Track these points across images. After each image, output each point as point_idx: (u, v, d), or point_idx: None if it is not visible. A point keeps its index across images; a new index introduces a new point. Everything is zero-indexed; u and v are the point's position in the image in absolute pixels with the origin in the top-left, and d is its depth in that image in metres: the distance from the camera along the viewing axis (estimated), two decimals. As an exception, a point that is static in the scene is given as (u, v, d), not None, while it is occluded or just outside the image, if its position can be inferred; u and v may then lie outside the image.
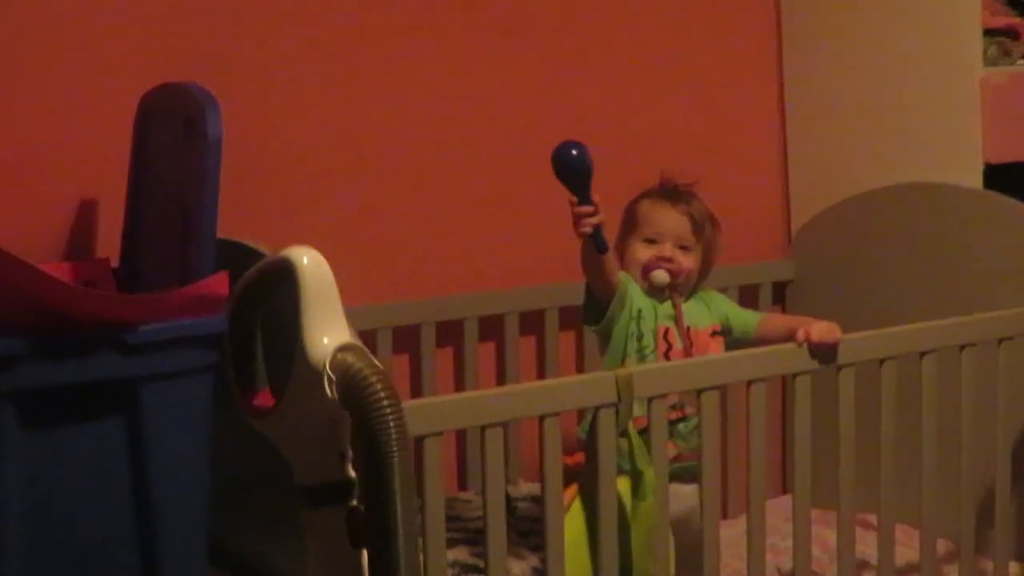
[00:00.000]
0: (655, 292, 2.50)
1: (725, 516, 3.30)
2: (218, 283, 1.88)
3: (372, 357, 1.47)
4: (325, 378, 1.43)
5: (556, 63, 3.16)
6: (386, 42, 2.92)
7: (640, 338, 2.47)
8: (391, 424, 1.38)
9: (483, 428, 1.96)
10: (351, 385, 1.41)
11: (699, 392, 2.20)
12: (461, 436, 2.88)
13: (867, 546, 2.79)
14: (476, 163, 3.05)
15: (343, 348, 1.46)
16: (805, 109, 3.41)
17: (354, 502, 1.50)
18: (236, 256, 2.00)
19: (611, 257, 2.41)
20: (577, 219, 2.30)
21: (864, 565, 2.83)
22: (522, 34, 3.13)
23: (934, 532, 2.63)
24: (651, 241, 2.50)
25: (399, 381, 2.86)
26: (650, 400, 2.14)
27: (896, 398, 2.46)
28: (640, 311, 2.48)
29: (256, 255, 1.95)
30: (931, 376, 2.51)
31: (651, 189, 2.59)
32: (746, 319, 2.61)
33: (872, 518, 2.81)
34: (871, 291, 3.17)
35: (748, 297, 3.34)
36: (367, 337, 2.70)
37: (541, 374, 3.06)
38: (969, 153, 3.00)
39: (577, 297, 2.66)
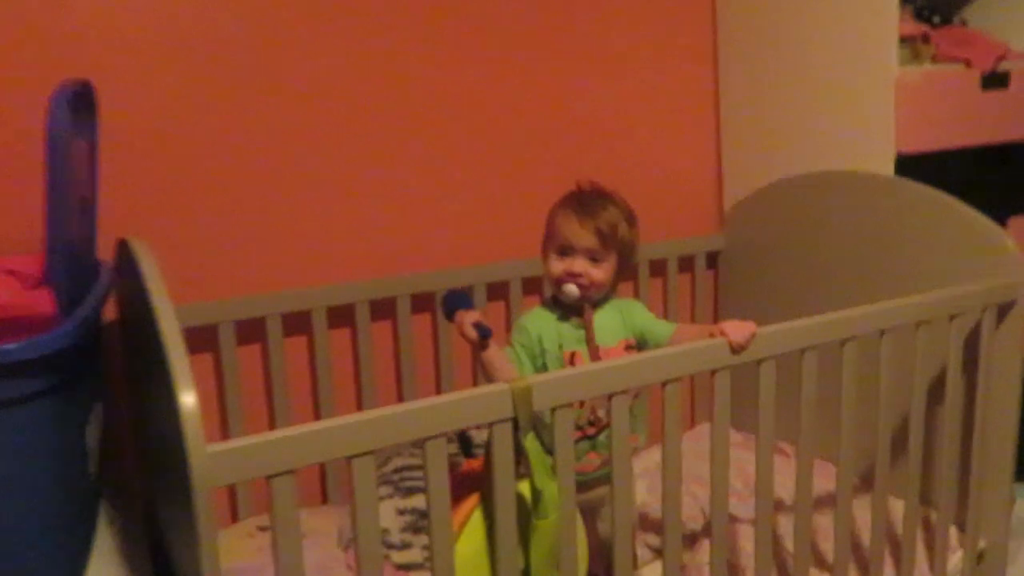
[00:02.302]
0: (569, 303, 1.54)
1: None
2: (37, 300, 0.97)
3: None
4: None
5: (492, 50, 2.07)
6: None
7: (545, 370, 1.50)
8: None
9: (349, 459, 1.04)
10: None
11: (609, 396, 1.26)
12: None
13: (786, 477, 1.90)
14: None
15: None
16: (738, 98, 2.36)
17: None
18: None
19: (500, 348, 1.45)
20: (464, 325, 1.38)
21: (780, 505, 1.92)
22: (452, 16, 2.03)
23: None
24: (563, 254, 1.52)
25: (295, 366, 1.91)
26: (553, 410, 1.20)
27: (817, 383, 1.51)
28: (540, 338, 1.51)
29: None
30: (851, 362, 1.54)
31: (566, 198, 1.57)
32: (660, 331, 1.58)
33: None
34: (795, 266, 2.19)
35: (685, 266, 2.39)
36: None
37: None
38: (884, 143, 1.97)
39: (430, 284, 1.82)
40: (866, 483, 2.01)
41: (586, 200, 1.52)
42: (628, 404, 1.26)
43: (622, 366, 1.25)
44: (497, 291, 2.11)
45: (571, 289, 1.48)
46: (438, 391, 2.06)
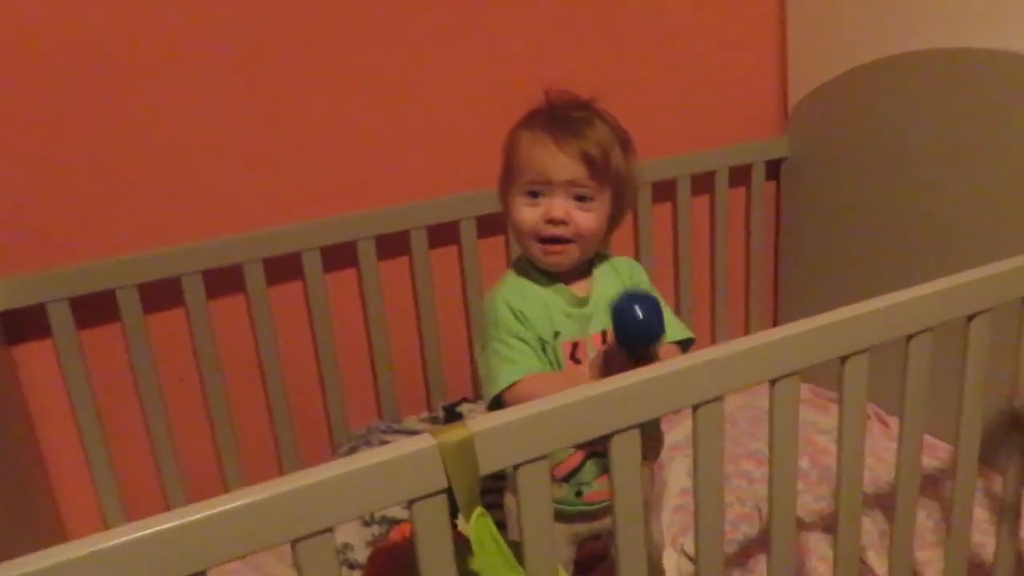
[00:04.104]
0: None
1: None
2: None
3: None
4: None
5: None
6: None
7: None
8: None
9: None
10: None
11: (611, 435, 0.81)
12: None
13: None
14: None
15: None
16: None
17: None
18: None
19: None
20: None
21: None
22: None
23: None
24: (535, 195, 1.03)
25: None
26: (516, 468, 0.76)
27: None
28: (535, 328, 1.04)
29: None
30: (980, 336, 1.03)
31: (533, 114, 1.06)
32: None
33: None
34: (882, 176, 1.67)
35: (739, 178, 1.88)
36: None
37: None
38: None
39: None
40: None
41: (561, 116, 1.02)
42: (636, 442, 0.81)
43: (645, 383, 0.79)
44: (492, 226, 1.65)
45: (556, 259, 1.01)
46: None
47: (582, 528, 1.13)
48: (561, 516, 1.10)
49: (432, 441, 0.70)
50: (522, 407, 0.75)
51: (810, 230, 1.87)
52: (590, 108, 1.05)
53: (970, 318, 0.99)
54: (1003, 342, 1.06)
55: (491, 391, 1.01)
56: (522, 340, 1.02)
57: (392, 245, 1.58)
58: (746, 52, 1.85)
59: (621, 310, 0.93)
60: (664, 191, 1.81)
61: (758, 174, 1.88)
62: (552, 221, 1.01)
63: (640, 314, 0.91)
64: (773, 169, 1.91)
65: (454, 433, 0.70)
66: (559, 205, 1.01)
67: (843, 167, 1.77)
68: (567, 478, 1.08)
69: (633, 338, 0.92)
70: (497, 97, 1.60)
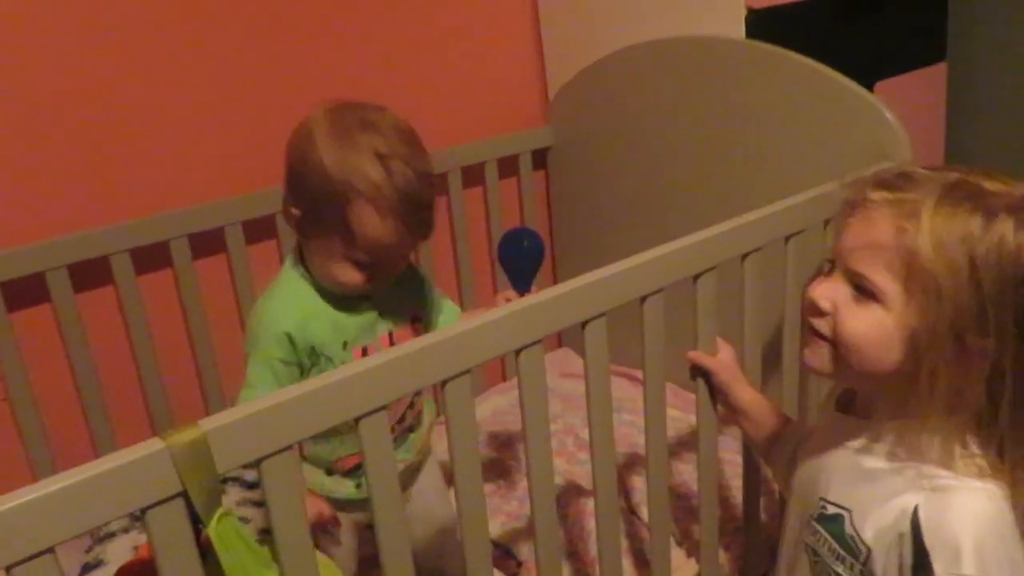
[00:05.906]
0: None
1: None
2: None
3: None
4: None
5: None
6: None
7: None
8: None
9: None
10: None
11: (357, 420, 0.81)
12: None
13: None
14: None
15: None
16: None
17: None
18: None
19: None
20: None
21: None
22: None
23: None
24: (362, 264, 1.01)
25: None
26: (262, 461, 0.74)
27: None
28: (314, 348, 1.02)
29: None
30: (708, 292, 1.13)
31: (377, 187, 0.97)
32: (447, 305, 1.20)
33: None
34: (638, 155, 1.78)
35: (508, 169, 1.94)
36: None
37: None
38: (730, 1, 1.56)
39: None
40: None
41: (413, 200, 1.00)
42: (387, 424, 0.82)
43: (389, 363, 0.80)
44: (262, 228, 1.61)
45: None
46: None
47: (362, 516, 1.12)
48: (338, 504, 1.10)
49: (160, 444, 0.67)
50: (260, 400, 0.74)
51: (580, 213, 1.97)
52: (430, 176, 1.05)
53: (696, 278, 1.08)
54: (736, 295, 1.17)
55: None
56: (282, 362, 1.01)
57: (154, 255, 1.50)
58: (504, 45, 1.92)
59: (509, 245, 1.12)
60: (437, 184, 1.83)
61: (526, 164, 1.95)
62: (379, 280, 1.04)
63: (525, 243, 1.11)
64: (541, 158, 1.99)
65: (185, 434, 0.68)
66: (390, 268, 1.05)
67: (601, 151, 1.87)
68: (349, 473, 1.08)
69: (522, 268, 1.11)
70: (249, 99, 1.57)
